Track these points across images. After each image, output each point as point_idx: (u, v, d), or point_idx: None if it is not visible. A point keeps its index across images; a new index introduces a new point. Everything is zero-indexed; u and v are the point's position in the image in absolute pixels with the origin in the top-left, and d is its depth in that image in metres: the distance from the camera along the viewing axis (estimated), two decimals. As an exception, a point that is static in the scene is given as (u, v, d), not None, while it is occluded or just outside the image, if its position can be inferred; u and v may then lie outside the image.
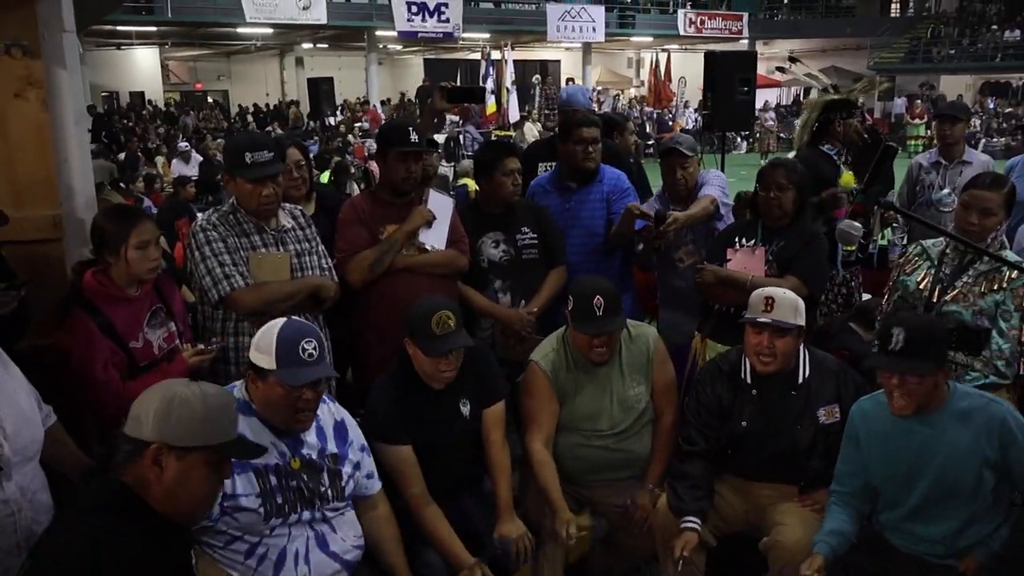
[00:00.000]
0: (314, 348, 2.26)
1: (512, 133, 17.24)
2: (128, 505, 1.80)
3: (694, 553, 2.68)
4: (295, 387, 2.22)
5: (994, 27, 27.88)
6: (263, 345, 2.25)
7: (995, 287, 2.86)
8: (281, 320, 2.32)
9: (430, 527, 2.61)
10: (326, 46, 27.57)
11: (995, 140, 21.51)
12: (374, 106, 23.51)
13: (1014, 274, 2.82)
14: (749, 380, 2.83)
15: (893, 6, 33.79)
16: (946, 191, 4.51)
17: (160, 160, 15.10)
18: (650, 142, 21.55)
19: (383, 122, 14.22)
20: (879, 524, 2.61)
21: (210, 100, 27.96)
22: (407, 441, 2.68)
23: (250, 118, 24.48)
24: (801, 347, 2.82)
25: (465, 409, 2.83)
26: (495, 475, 2.81)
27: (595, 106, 22.94)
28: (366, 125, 20.73)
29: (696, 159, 3.76)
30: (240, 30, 22.86)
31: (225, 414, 1.89)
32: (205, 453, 1.83)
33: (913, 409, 2.39)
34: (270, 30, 23.21)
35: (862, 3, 33.26)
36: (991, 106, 25.66)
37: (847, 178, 4.14)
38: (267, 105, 26.55)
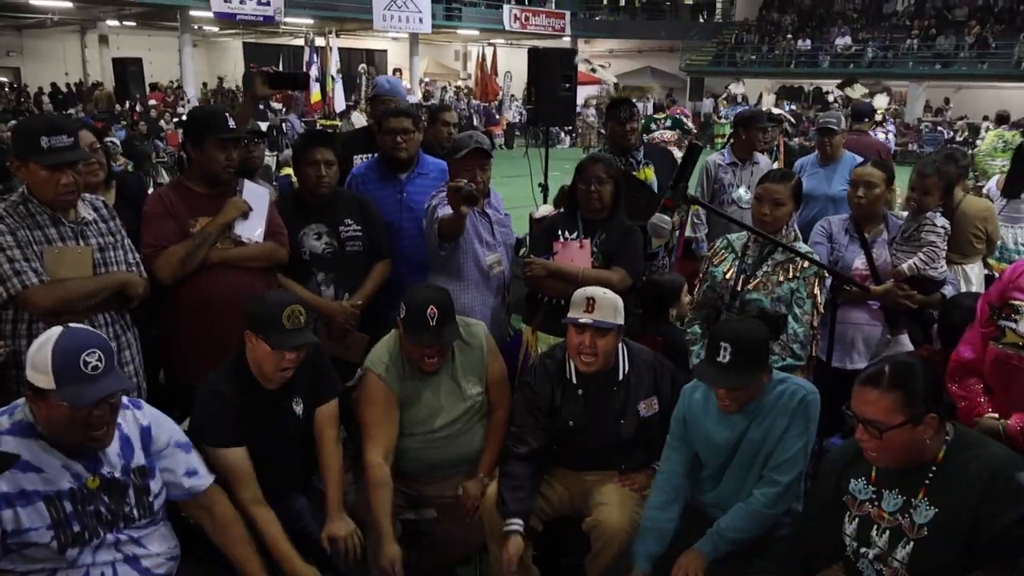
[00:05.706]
0: (98, 359, 2.01)
1: (339, 123, 16.85)
2: None
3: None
4: (81, 408, 2.00)
5: (789, 36, 30.33)
6: (38, 362, 1.98)
7: (790, 275, 3.11)
8: (56, 331, 2.04)
9: (263, 529, 2.50)
10: (134, 24, 25.69)
11: (792, 141, 23.46)
12: (180, 88, 22.24)
13: (806, 263, 3.08)
14: (575, 380, 2.91)
15: (703, 14, 35.97)
16: (743, 188, 4.93)
17: (-61, 143, 13.52)
18: (478, 135, 21.56)
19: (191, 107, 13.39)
20: (700, 503, 2.77)
21: (-1, 78, 25.34)
22: (240, 444, 2.56)
23: (46, 99, 22.42)
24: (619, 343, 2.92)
25: (298, 408, 2.74)
26: (326, 475, 2.73)
27: (419, 98, 22.89)
28: (181, 110, 19.53)
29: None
30: (33, 1, 20.85)
31: None
32: None
33: (738, 408, 2.59)
34: (69, 3, 21.36)
35: (673, 8, 35.25)
36: (788, 109, 27.94)
37: (647, 172, 4.45)
38: (68, 86, 24.43)
